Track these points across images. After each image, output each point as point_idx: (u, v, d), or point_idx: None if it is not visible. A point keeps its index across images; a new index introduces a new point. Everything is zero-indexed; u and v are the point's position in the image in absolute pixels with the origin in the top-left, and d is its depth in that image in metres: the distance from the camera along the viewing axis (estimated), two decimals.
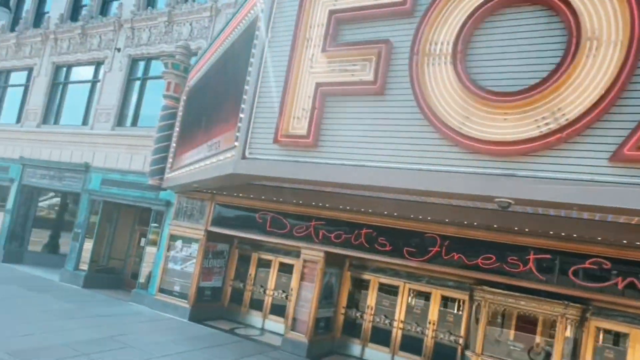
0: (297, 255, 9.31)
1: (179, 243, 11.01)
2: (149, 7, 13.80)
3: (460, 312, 8.00)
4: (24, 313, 8.56)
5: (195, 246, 10.68)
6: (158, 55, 12.77)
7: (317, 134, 5.22)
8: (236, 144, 5.84)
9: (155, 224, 11.81)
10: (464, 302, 7.95)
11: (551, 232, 6.32)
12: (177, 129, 10.51)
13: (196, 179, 7.75)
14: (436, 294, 8.20)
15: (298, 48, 5.54)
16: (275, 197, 8.86)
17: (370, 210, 8.00)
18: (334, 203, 8.20)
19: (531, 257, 6.60)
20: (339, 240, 8.44)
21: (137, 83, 13.60)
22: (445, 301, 8.21)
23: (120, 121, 13.53)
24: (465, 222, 7.00)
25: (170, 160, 10.51)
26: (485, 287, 7.17)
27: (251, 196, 9.58)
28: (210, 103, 8.22)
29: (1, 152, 15.83)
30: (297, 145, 5.34)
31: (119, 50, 13.85)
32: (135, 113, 13.33)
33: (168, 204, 11.49)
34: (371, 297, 8.86)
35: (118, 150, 12.91)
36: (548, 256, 6.50)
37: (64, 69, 15.66)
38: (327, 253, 8.59)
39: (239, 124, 5.96)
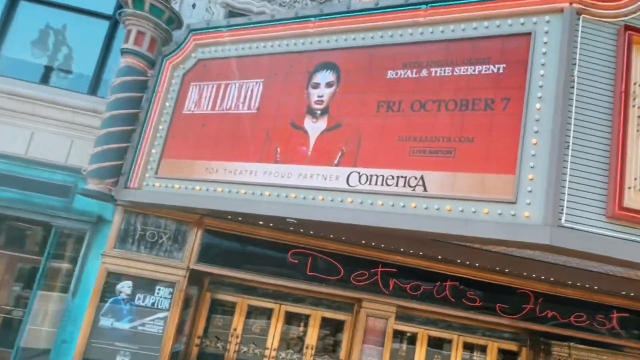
0: (344, 308, 7.43)
1: (125, 287, 6.94)
2: None
3: None
4: None
5: (165, 292, 6.97)
6: None
7: None
8: (553, 209, 4.20)
9: (61, 252, 7.10)
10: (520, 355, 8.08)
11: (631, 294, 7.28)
12: (166, 113, 6.66)
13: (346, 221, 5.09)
14: (492, 346, 8.06)
15: (623, 105, 4.52)
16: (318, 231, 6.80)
17: (458, 261, 7.19)
18: (413, 248, 6.96)
19: (614, 315, 7.42)
20: (416, 293, 7.20)
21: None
22: (503, 354, 8.14)
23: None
24: (560, 280, 7.22)
25: (142, 160, 6.58)
26: (572, 344, 7.56)
27: (271, 225, 7.00)
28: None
29: None
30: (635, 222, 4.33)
31: None
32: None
33: (98, 220, 7.11)
34: (419, 353, 7.90)
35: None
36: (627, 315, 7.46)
37: None
38: (400, 307, 7.19)
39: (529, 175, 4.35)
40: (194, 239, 7.09)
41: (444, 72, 5.07)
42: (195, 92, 6.55)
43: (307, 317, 7.68)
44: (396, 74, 5.29)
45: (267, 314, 7.75)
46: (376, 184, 5.00)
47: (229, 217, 6.84)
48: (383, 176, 5.00)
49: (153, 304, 6.94)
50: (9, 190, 7.08)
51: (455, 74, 5.01)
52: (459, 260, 7.18)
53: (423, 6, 5.34)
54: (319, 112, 5.58)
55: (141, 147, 6.63)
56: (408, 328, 7.73)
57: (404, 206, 4.83)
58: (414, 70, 5.22)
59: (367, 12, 5.64)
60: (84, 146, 7.26)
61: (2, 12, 7.78)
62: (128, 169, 6.62)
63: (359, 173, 5.12)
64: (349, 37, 5.71)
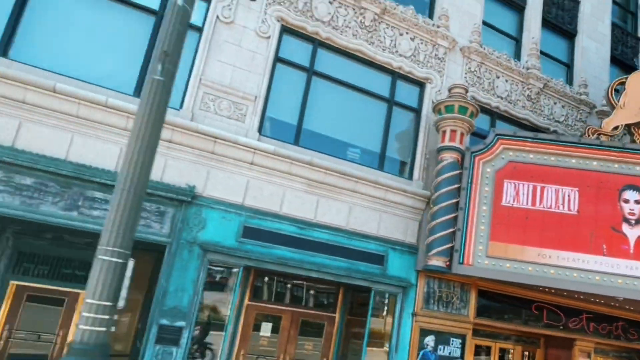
0: (562, 346, 9.90)
1: (430, 340, 8.38)
2: None
3: None
4: None
5: (456, 343, 8.59)
6: (349, 50, 8.64)
7: None
8: None
9: (376, 311, 8.16)
10: None
11: None
12: (484, 203, 8.25)
13: None
14: None
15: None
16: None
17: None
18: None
19: None
20: (604, 332, 10.03)
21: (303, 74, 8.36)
22: None
23: (274, 131, 7.94)
24: None
25: (471, 242, 8.13)
26: None
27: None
28: None
29: None
30: None
31: None
32: (305, 129, 8.24)
33: (407, 285, 8.34)
34: None
35: (285, 183, 7.68)
36: None
37: None
38: (596, 344, 9.94)
39: None
40: (474, 297, 8.83)
41: None
42: (510, 188, 8.31)
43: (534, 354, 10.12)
44: None
45: (509, 352, 9.95)
46: None
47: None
48: None
49: (449, 353, 8.54)
50: (339, 259, 7.90)
51: None
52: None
53: None
54: (633, 221, 7.96)
55: (467, 231, 8.16)
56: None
57: None
58: None
59: None
60: (390, 220, 8.41)
61: (304, 88, 8.33)
62: (459, 249, 8.10)
63: None
64: None
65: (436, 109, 8.63)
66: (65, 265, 7.30)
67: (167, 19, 4.08)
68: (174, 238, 6.83)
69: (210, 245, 6.97)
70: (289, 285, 8.42)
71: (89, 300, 3.45)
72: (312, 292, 8.58)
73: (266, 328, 8.06)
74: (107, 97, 6.53)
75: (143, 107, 3.89)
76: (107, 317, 3.46)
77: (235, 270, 7.21)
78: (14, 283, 7.26)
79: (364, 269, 8.08)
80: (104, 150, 6.57)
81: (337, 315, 8.60)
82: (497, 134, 8.56)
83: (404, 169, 8.94)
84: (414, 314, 8.29)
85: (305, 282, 8.47)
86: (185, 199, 6.91)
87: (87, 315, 3.42)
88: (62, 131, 6.39)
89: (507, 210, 8.26)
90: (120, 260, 3.56)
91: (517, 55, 11.03)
